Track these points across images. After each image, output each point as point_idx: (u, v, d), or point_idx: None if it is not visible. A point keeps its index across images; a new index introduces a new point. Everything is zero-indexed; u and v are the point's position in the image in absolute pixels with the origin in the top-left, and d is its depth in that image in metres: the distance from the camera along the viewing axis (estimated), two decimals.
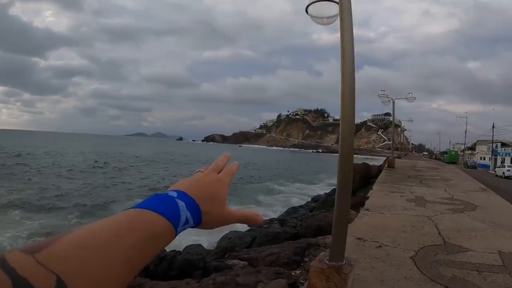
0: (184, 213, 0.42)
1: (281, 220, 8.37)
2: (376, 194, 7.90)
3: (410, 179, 12.11)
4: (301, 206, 13.31)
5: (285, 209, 13.15)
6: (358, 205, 6.71)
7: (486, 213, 6.39)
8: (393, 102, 19.21)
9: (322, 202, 12.10)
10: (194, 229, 0.47)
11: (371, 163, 20.02)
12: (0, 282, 0.23)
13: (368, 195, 7.81)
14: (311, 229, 5.81)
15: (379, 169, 16.81)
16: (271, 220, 8.65)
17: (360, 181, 11.64)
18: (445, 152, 73.30)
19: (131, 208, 0.40)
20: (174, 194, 0.44)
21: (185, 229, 0.43)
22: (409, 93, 18.70)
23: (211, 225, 0.48)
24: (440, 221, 5.49)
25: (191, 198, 0.44)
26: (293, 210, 12.26)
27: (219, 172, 0.53)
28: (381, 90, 18.89)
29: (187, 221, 0.42)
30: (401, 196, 7.83)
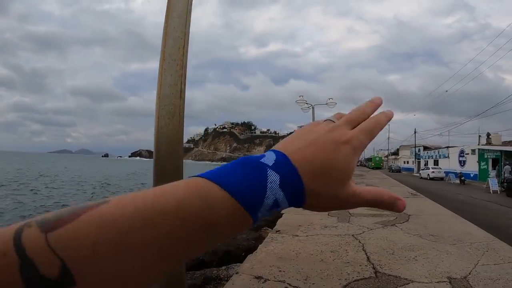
0: (274, 193, 0.33)
1: None
2: (291, 209, 7.55)
3: None
4: None
5: None
6: (271, 224, 6.50)
7: (421, 224, 6.40)
8: (313, 108, 21.26)
9: None
10: None
11: None
12: (9, 260, 0.25)
13: (282, 211, 7.46)
14: (218, 256, 5.68)
15: None
16: None
17: None
18: (369, 159, 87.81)
19: (196, 176, 0.33)
20: (271, 160, 0.35)
21: (272, 213, 0.37)
22: (329, 99, 21.00)
23: (322, 208, 0.39)
24: (368, 240, 5.13)
25: (294, 170, 0.35)
26: None
27: (354, 127, 0.40)
28: (300, 96, 20.94)
29: (276, 205, 0.34)
30: None
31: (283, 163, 0.35)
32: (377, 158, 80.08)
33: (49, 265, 0.26)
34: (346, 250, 4.59)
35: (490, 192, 19.45)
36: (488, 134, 39.39)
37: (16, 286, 0.25)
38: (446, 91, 59.92)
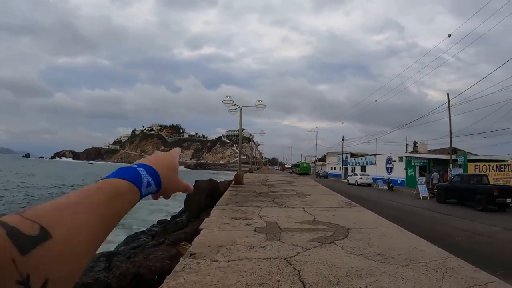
0: (145, 176, 0.68)
1: (109, 257, 8.97)
2: (212, 223, 7.06)
3: (260, 197, 12.37)
4: (143, 232, 15.00)
5: (124, 237, 14.20)
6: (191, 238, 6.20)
7: (364, 240, 6.01)
8: (241, 110, 21.91)
9: (164, 227, 14.25)
10: None
11: (223, 178, 22.56)
12: None
13: (201, 226, 6.85)
14: (126, 279, 5.78)
15: (230, 184, 18.43)
16: (98, 258, 8.90)
17: (207, 199, 12.96)
18: (297, 165, 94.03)
19: (105, 177, 0.65)
20: (135, 165, 0.71)
21: (150, 193, 0.71)
22: (258, 100, 22.08)
23: (169, 191, 0.77)
24: (305, 265, 4.48)
25: (150, 166, 0.71)
26: (132, 239, 13.50)
27: None
28: (227, 96, 21.51)
29: (149, 184, 0.68)
30: (247, 224, 7.09)
31: (142, 164, 0.71)
32: (305, 164, 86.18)
33: (30, 227, 0.45)
34: (279, 281, 3.88)
35: (420, 198, 20.90)
36: (415, 143, 43.52)
37: (5, 244, 0.41)
38: (376, 100, 66.10)
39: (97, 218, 0.55)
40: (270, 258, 4.77)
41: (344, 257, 4.94)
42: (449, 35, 28.99)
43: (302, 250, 5.24)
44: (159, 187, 0.72)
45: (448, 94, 29.60)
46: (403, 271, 4.30)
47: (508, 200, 16.15)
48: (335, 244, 5.67)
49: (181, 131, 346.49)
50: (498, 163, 30.13)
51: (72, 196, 0.56)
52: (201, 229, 6.52)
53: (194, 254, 4.87)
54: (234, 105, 21.91)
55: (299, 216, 8.35)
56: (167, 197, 0.78)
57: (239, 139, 25.83)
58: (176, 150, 0.88)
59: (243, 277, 3.99)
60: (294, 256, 4.92)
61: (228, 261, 4.61)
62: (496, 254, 7.68)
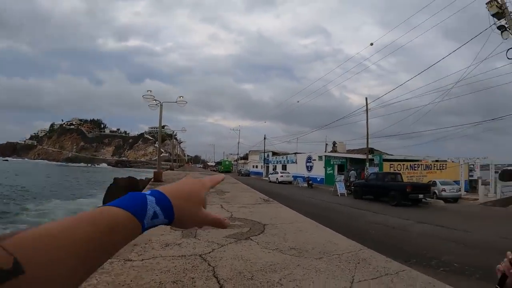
0: (152, 207, 0.60)
1: None
2: None
3: None
4: None
5: None
6: None
7: (279, 235, 6.10)
8: (161, 105, 21.83)
9: None
10: None
11: (144, 176, 20.67)
12: None
13: None
14: None
15: (149, 182, 18.24)
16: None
17: None
18: (219, 163, 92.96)
19: (100, 206, 0.58)
20: (148, 192, 0.63)
21: (157, 224, 0.62)
22: (179, 97, 21.89)
23: (186, 224, 0.68)
24: (220, 261, 4.46)
25: (163, 194, 0.64)
26: None
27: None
28: (148, 91, 21.21)
29: (155, 215, 0.60)
30: None
31: (156, 192, 0.63)
32: (227, 162, 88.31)
33: (4, 259, 0.42)
34: (193, 278, 3.81)
35: (338, 195, 21.97)
36: (334, 143, 45.84)
37: None
38: (298, 101, 68.83)
39: (82, 254, 0.50)
40: (185, 256, 4.70)
41: (259, 252, 4.96)
42: (371, 44, 31.36)
43: (217, 246, 5.20)
44: (171, 219, 0.64)
45: (366, 98, 31.55)
46: (316, 264, 4.40)
47: (420, 195, 17.62)
48: (251, 239, 5.69)
49: (102, 126, 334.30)
50: (411, 163, 33.01)
51: (56, 227, 0.50)
52: None
53: None
54: (155, 100, 21.54)
55: (216, 213, 7.97)
56: (186, 228, 0.71)
57: (159, 136, 25.17)
58: (216, 178, 0.81)
59: (157, 275, 3.90)
60: (209, 252, 4.87)
61: (143, 259, 4.49)
62: (409, 245, 8.19)
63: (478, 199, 21.99)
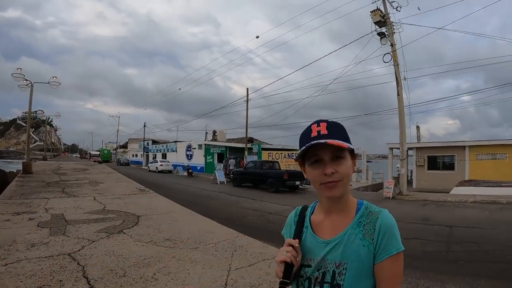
0: None
1: None
2: None
3: (50, 187, 11.50)
4: None
5: None
6: None
7: (154, 226, 5.98)
8: (32, 86, 20.13)
9: None
10: None
11: (16, 168, 21.04)
12: None
13: None
14: None
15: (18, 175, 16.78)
16: None
17: None
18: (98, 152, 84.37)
19: None
20: None
21: None
22: (53, 77, 20.65)
23: None
24: (91, 259, 4.20)
25: None
26: None
27: None
28: (17, 69, 19.33)
29: None
30: (30, 219, 6.38)
31: None
32: (106, 151, 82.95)
33: None
34: (61, 281, 3.50)
35: (218, 183, 22.25)
36: (214, 132, 45.98)
37: None
38: (179, 89, 67.61)
39: None
40: (52, 256, 4.33)
41: (133, 246, 4.79)
42: (257, 36, 32.06)
43: (88, 243, 4.90)
44: None
45: (247, 89, 32.43)
46: (192, 254, 4.39)
47: (297, 182, 18.70)
48: (124, 233, 5.47)
49: None
50: (289, 152, 34.92)
51: None
52: None
53: None
54: (25, 80, 19.47)
55: (88, 206, 7.88)
56: None
57: (28, 121, 22.61)
58: None
59: (21, 281, 3.52)
60: (79, 250, 4.57)
61: (6, 264, 4.02)
62: None
63: (352, 184, 24.19)
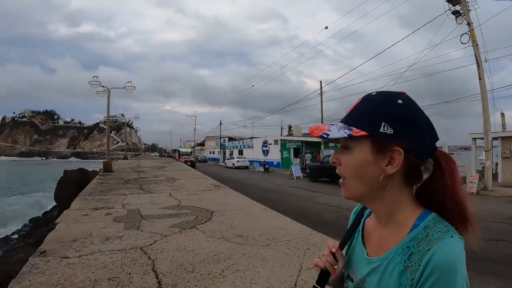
0: None
1: None
2: (70, 216, 6.54)
3: (128, 184, 12.02)
4: (13, 233, 13.94)
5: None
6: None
7: (226, 222, 5.93)
8: (109, 91, 21.24)
9: (34, 225, 13.94)
10: None
11: (99, 167, 22.15)
12: None
13: (57, 220, 6.37)
14: None
15: (100, 173, 17.85)
16: None
17: (77, 191, 11.93)
18: (176, 150, 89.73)
19: None
20: None
21: None
22: (128, 82, 21.59)
23: None
24: (161, 254, 4.23)
25: None
26: (0, 242, 12.60)
27: None
28: (94, 77, 20.33)
29: None
30: (107, 214, 6.66)
31: None
32: (185, 149, 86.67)
33: None
34: (130, 274, 3.56)
35: (294, 179, 22.07)
36: (290, 127, 45.84)
37: None
38: (253, 86, 68.54)
39: None
40: (125, 249, 4.44)
41: (204, 241, 4.75)
42: (326, 27, 30.82)
43: (160, 237, 4.96)
44: None
45: (321, 82, 31.78)
46: (263, 252, 4.24)
47: None
48: (196, 228, 5.48)
49: (55, 117, 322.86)
50: None
51: None
52: (57, 223, 5.98)
53: (45, 251, 4.37)
54: (102, 86, 20.78)
55: (163, 201, 8.07)
56: None
57: (107, 124, 24.21)
58: None
59: (93, 272, 3.64)
60: (151, 244, 4.63)
61: (80, 256, 4.20)
62: None
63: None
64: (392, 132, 0.79)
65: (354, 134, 0.80)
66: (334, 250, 0.93)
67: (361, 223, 0.98)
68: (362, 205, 1.01)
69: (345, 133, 0.80)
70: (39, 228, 12.22)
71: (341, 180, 0.86)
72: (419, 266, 0.74)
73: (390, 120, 0.80)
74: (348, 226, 1.01)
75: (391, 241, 0.84)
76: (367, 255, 0.89)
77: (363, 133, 0.80)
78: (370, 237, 0.92)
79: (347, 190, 0.85)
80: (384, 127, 0.79)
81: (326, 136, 0.81)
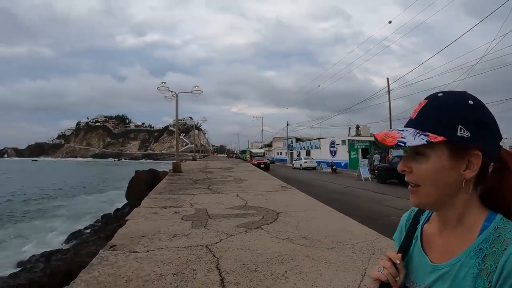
0: None
1: (48, 257, 9.34)
2: (140, 213, 6.95)
3: (196, 184, 12.39)
4: (86, 228, 15.15)
5: (67, 235, 14.29)
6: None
7: (292, 223, 5.92)
8: (177, 96, 21.97)
9: (106, 221, 14.73)
10: None
11: (168, 168, 23.01)
12: None
13: (128, 217, 6.80)
14: (57, 277, 5.84)
15: (169, 174, 18.64)
16: (38, 259, 9.71)
17: (148, 190, 12.56)
18: (244, 151, 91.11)
19: None
20: None
21: None
22: (195, 86, 22.33)
23: None
24: (226, 252, 4.34)
25: None
26: (75, 235, 13.65)
27: None
28: (162, 82, 21.22)
29: None
30: (175, 212, 6.96)
31: None
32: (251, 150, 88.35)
33: None
34: (194, 270, 3.71)
35: (362, 180, 21.54)
36: (358, 126, 44.75)
37: None
38: (319, 85, 67.83)
39: None
40: (191, 246, 4.61)
41: (269, 242, 4.80)
42: (390, 22, 29.60)
43: (226, 236, 5.09)
44: None
45: (388, 79, 30.67)
46: (327, 255, 4.20)
47: None
48: (262, 229, 5.54)
49: (127, 121, 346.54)
50: None
51: None
52: (127, 220, 6.35)
53: (115, 245, 4.68)
54: (170, 91, 21.72)
55: (230, 201, 8.25)
56: None
57: (176, 126, 25.26)
58: None
59: (158, 267, 3.83)
60: (217, 243, 4.76)
61: (148, 251, 4.45)
62: None
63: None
64: (469, 135, 0.77)
65: (432, 140, 0.78)
66: (398, 262, 0.89)
67: (419, 229, 0.95)
68: (416, 210, 1.00)
69: (422, 139, 0.78)
70: (110, 223, 13.02)
71: (410, 187, 0.85)
72: (496, 267, 0.72)
73: (466, 123, 0.78)
74: (402, 233, 1.00)
75: (459, 246, 0.81)
76: (431, 261, 0.87)
77: (441, 138, 0.78)
78: (432, 243, 0.90)
79: (421, 197, 0.84)
80: (461, 131, 0.77)
81: (403, 144, 0.78)
